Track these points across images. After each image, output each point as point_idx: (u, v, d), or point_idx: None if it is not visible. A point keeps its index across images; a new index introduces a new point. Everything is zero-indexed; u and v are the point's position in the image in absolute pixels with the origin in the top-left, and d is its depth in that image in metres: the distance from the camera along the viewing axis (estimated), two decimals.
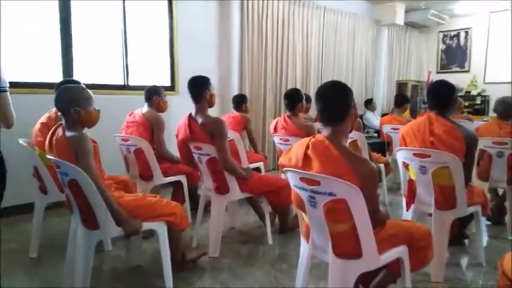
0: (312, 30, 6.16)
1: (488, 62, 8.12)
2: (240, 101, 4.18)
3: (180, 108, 4.31)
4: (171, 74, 4.73)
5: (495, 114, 3.54)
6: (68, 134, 1.93)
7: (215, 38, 5.10)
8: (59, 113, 2.47)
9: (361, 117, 6.15)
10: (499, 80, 7.89)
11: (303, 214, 1.77)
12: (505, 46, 7.79)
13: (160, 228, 2.10)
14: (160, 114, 3.25)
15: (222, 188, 2.65)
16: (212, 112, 2.76)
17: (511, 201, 3.10)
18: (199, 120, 2.61)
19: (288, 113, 3.30)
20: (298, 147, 1.70)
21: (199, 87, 2.60)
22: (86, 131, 2.01)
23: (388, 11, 7.31)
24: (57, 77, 3.71)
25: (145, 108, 3.24)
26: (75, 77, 3.84)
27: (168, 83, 4.72)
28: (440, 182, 2.32)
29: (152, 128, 3.13)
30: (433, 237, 1.91)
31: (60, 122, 2.01)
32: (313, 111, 5.22)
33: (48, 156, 1.98)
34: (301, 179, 1.63)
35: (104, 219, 1.92)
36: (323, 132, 1.67)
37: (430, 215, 2.43)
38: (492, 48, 8.04)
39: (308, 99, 4.58)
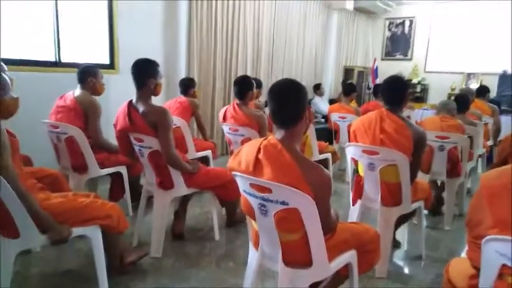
0: (264, 12, 5.95)
1: (430, 51, 8.49)
2: (188, 85, 3.93)
3: (120, 89, 3.98)
4: (110, 51, 4.31)
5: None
6: None
7: (161, 16, 4.70)
8: None
9: (309, 102, 6.17)
10: (438, 70, 8.32)
11: (253, 221, 1.66)
12: (446, 37, 8.18)
13: (94, 234, 1.88)
14: (96, 97, 2.92)
15: (165, 183, 2.45)
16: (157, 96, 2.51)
17: (449, 193, 3.25)
18: (141, 108, 2.36)
19: (237, 101, 3.14)
20: (248, 149, 1.56)
21: (144, 74, 2.33)
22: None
23: None
24: None
25: (78, 90, 2.89)
26: None
27: (106, 61, 4.32)
28: (387, 179, 2.34)
29: (86, 114, 2.82)
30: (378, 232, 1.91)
31: None
32: (263, 97, 5.11)
33: None
34: (252, 185, 1.51)
35: (24, 227, 1.67)
36: (276, 135, 1.55)
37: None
38: (434, 38, 8.40)
39: (259, 85, 4.44)
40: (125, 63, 4.13)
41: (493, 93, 6.66)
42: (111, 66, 4.31)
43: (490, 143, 4.72)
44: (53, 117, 2.88)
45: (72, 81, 2.98)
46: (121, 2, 4.21)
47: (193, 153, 3.57)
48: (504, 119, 5.60)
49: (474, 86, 6.93)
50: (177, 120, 3.43)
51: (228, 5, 5.29)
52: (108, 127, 2.94)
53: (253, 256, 1.74)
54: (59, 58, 3.85)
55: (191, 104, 3.77)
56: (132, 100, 2.41)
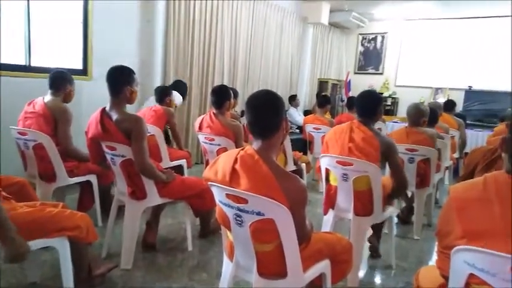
0: (241, 21, 6.00)
1: (400, 66, 8.81)
2: (163, 94, 3.88)
3: (93, 96, 3.90)
4: (84, 56, 4.21)
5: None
6: None
7: (137, 22, 4.64)
8: None
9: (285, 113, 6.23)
10: (408, 84, 8.62)
11: (228, 232, 1.64)
12: (415, 53, 8.52)
13: (61, 245, 1.81)
14: (67, 104, 2.84)
15: (138, 193, 2.39)
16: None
17: (418, 203, 3.34)
18: (114, 116, 2.30)
19: (214, 111, 3.13)
20: (225, 160, 1.56)
21: (119, 81, 2.29)
22: None
23: (315, 10, 7.47)
24: None
25: (48, 96, 2.80)
26: None
27: (79, 66, 4.21)
28: (360, 187, 2.38)
29: (56, 121, 2.73)
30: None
31: None
32: (240, 107, 5.12)
33: None
34: (228, 195, 1.50)
35: None
36: (253, 145, 1.55)
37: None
38: (404, 53, 8.72)
39: (235, 94, 4.45)
40: (99, 70, 4.05)
41: (459, 108, 6.98)
42: (84, 72, 4.20)
43: (456, 155, 4.91)
44: (21, 123, 2.77)
45: (43, 86, 2.89)
46: (96, 1, 4.12)
47: (167, 162, 3.52)
48: (469, 133, 5.86)
49: (441, 100, 7.22)
50: (151, 129, 3.38)
51: (206, 11, 5.29)
52: (79, 135, 2.86)
53: (227, 267, 1.72)
54: (29, 62, 3.73)
55: (166, 113, 3.72)
56: (105, 107, 2.36)
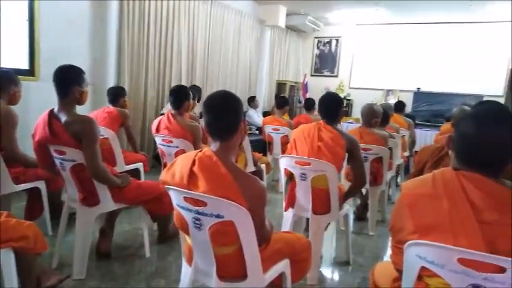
0: (199, 22, 5.94)
1: (353, 69, 9.12)
2: (117, 94, 3.73)
3: (40, 97, 3.67)
4: (30, 56, 3.96)
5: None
6: None
7: (89, 21, 4.43)
8: None
9: (244, 114, 6.24)
10: (361, 86, 8.96)
11: (186, 236, 1.61)
12: (368, 56, 8.87)
13: (4, 257, 1.67)
14: (12, 107, 2.65)
15: (90, 199, 2.28)
16: (83, 105, 2.34)
17: (372, 200, 3.47)
18: (63, 118, 2.18)
19: (172, 112, 3.05)
20: (182, 162, 1.52)
21: (67, 81, 2.17)
22: None
23: (272, 13, 7.56)
24: None
25: None
26: None
27: (25, 66, 3.96)
28: (318, 188, 2.44)
29: None
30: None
31: None
32: (199, 108, 5.05)
33: None
34: (186, 198, 1.47)
35: None
36: (211, 147, 1.53)
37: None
38: (357, 57, 9.04)
39: (196, 95, 4.39)
40: (47, 70, 3.82)
41: (408, 108, 7.35)
42: (31, 72, 3.95)
43: (406, 154, 5.16)
44: None
45: None
46: (43, 1, 3.90)
47: (122, 166, 3.39)
48: (418, 132, 6.19)
49: (392, 101, 7.56)
50: (104, 131, 3.25)
51: (162, 11, 5.18)
52: (26, 139, 2.67)
53: (186, 272, 1.68)
54: None
55: (121, 114, 3.59)
56: (53, 109, 2.23)
